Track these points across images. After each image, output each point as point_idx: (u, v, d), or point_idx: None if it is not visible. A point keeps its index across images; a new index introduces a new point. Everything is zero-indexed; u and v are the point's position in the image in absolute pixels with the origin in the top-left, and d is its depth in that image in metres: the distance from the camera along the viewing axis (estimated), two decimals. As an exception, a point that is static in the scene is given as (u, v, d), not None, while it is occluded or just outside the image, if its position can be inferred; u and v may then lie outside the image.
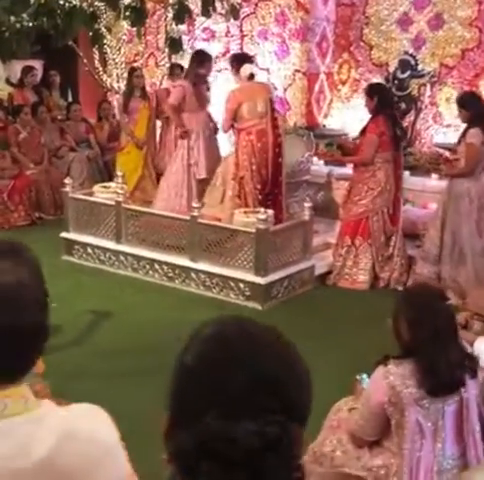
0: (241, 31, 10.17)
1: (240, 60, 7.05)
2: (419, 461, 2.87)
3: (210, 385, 1.03)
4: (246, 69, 6.77)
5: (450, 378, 2.86)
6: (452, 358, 2.86)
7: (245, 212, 6.45)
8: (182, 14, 8.71)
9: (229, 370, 1.03)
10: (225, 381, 1.02)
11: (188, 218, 6.52)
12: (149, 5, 9.32)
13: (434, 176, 8.34)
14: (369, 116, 6.77)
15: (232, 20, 9.63)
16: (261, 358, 1.06)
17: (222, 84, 9.44)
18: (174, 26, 9.54)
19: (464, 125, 8.32)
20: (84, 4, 8.51)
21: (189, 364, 1.08)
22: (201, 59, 7.45)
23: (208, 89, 7.73)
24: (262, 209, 6.33)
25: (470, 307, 4.85)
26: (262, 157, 6.73)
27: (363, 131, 6.77)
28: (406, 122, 9.12)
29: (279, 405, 1.01)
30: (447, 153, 8.36)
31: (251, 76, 6.83)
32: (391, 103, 7.01)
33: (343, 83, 10.10)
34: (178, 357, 1.12)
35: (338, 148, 8.87)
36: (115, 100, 9.78)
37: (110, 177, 9.21)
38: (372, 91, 6.76)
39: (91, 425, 1.34)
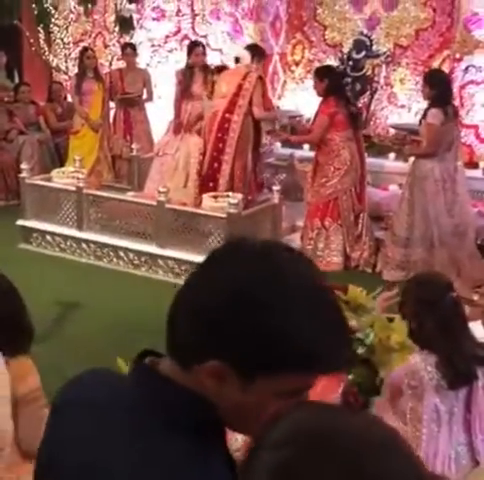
0: (192, 10, 9.94)
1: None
2: (437, 448, 2.85)
3: None
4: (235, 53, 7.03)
5: (467, 371, 2.84)
6: (466, 350, 2.83)
7: (214, 197, 6.31)
8: (135, -8, 8.46)
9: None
10: None
11: (155, 203, 6.34)
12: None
13: (391, 157, 8.37)
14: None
15: (184, -1, 9.41)
16: None
17: (172, 65, 9.25)
18: (125, 5, 9.24)
19: (419, 105, 8.40)
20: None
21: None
22: (188, 50, 7.54)
23: (205, 77, 7.47)
24: (231, 193, 6.24)
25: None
26: (205, 139, 6.73)
27: (316, 114, 6.77)
28: (361, 103, 9.13)
29: None
30: (404, 133, 8.44)
31: (236, 60, 6.94)
32: (341, 85, 6.99)
33: (297, 64, 10.01)
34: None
35: (291, 131, 8.82)
36: (67, 81, 9.47)
37: (61, 161, 8.94)
38: (322, 74, 6.72)
39: None
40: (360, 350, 1.83)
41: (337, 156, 6.58)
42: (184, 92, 7.38)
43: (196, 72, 7.43)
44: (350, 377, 1.76)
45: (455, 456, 2.92)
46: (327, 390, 1.69)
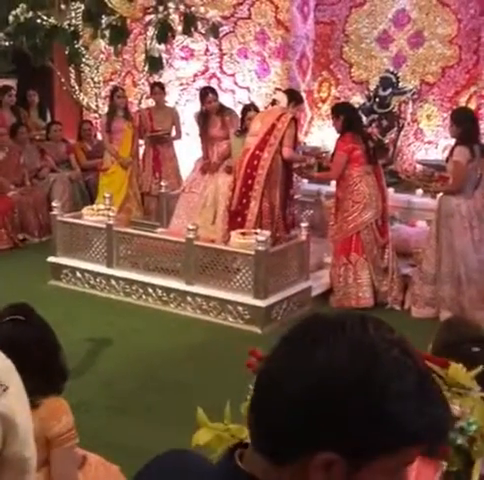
0: (220, 49, 10.09)
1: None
2: None
3: None
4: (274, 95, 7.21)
5: None
6: None
7: (242, 233, 6.36)
8: (165, 33, 8.62)
9: None
10: None
11: (183, 240, 6.40)
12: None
13: (419, 193, 8.36)
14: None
15: (212, 38, 9.55)
16: None
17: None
18: (154, 45, 9.41)
19: (446, 142, 8.41)
20: (65, 23, 8.37)
21: None
22: (200, 97, 7.81)
23: (223, 119, 7.72)
24: (259, 230, 6.30)
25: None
26: (235, 176, 6.81)
27: (334, 151, 6.82)
28: (388, 139, 9.18)
29: None
30: (431, 170, 8.44)
31: (273, 101, 7.10)
32: (357, 120, 7.01)
33: (323, 101, 10.11)
34: None
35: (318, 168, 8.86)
36: (97, 120, 9.66)
37: (91, 198, 9.06)
38: (337, 110, 6.80)
39: None
40: (460, 440, 1.73)
41: (355, 190, 6.59)
42: (203, 136, 7.60)
43: (212, 117, 7.62)
44: (445, 465, 1.69)
45: None
46: (423, 477, 1.66)
